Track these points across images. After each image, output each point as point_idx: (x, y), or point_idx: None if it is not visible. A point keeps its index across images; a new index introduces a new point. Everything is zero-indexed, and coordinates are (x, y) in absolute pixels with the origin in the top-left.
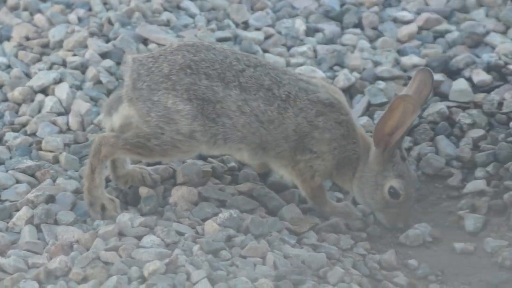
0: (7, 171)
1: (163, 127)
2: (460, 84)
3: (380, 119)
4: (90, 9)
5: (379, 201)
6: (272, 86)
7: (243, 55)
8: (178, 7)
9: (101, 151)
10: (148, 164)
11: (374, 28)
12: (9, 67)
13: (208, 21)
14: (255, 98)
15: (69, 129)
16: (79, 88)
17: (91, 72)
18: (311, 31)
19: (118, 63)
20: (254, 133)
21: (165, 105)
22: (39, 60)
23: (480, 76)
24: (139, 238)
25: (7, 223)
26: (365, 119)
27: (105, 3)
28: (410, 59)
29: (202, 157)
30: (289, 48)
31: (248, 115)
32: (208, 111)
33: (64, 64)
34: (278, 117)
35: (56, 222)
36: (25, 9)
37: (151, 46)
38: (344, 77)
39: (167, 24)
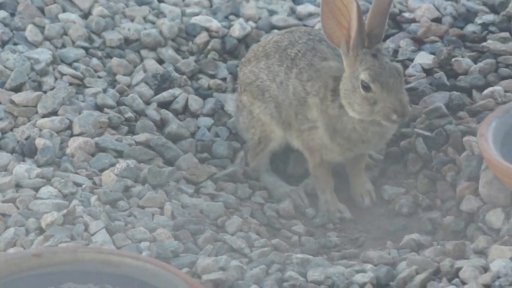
0: None
1: None
2: None
3: (321, 20)
4: None
5: (363, 104)
6: (288, 46)
7: (290, 31)
8: None
9: None
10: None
11: None
12: None
13: None
14: (273, 61)
15: None
16: None
17: None
18: None
19: (12, 14)
20: (282, 102)
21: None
22: None
23: None
24: (36, 189)
25: None
26: None
27: None
28: (305, 8)
29: (99, 108)
30: None
31: (272, 80)
32: (256, 93)
33: None
34: (285, 77)
35: None
36: None
37: None
38: (239, 27)
39: None
